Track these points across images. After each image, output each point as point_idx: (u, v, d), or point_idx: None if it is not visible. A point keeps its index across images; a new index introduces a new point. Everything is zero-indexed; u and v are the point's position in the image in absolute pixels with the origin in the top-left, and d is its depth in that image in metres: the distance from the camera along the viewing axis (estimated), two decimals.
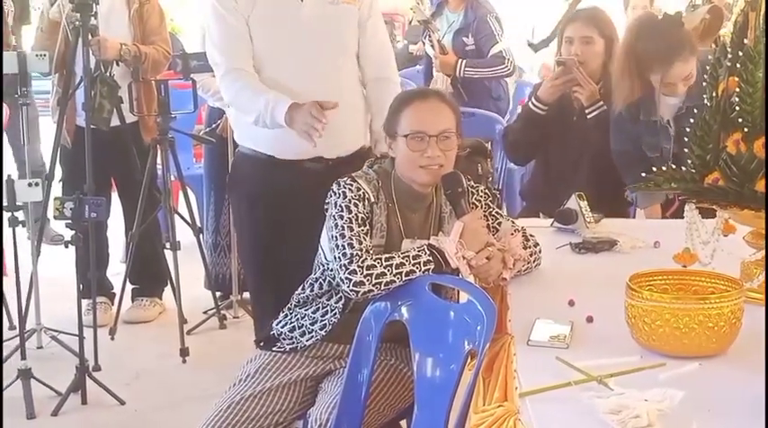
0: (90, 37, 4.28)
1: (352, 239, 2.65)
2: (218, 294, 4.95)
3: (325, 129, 3.14)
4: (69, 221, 3.88)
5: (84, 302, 4.27)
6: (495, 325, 2.35)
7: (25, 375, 3.86)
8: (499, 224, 2.87)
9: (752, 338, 2.17)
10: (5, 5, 5.45)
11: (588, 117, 3.91)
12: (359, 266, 2.60)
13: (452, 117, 2.80)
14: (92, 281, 4.34)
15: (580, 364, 2.06)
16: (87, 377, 3.96)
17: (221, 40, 3.39)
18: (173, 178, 4.70)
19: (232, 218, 3.76)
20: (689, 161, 2.59)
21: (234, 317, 4.92)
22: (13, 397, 3.86)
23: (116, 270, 5.17)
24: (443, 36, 5.65)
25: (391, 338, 2.72)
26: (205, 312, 4.88)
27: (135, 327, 4.85)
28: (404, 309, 2.62)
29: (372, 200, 2.75)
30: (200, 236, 4.80)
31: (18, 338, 3.95)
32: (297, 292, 2.88)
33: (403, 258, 2.62)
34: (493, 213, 2.88)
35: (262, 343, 2.90)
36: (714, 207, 2.59)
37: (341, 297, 2.75)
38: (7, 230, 3.96)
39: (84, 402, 3.96)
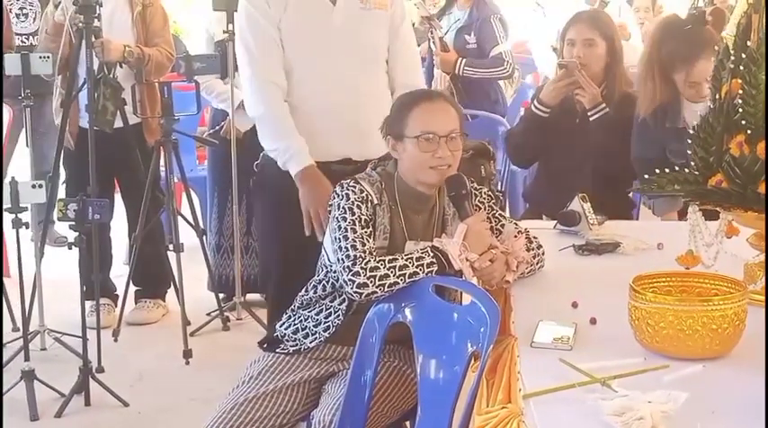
0: (93, 39, 4.29)
1: (355, 241, 2.66)
2: (221, 296, 4.96)
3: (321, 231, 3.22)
4: (73, 223, 3.89)
5: (88, 304, 4.26)
6: (498, 326, 2.35)
7: (28, 376, 3.86)
8: (502, 226, 2.87)
9: (755, 340, 2.17)
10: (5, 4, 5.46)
11: (591, 119, 3.92)
12: (362, 268, 2.60)
13: (457, 118, 2.81)
14: (95, 283, 4.34)
15: (583, 366, 2.06)
16: (90, 378, 3.96)
17: (255, 47, 3.38)
18: (176, 180, 4.71)
19: (256, 221, 3.76)
20: (692, 163, 2.59)
21: (237, 319, 4.92)
22: (16, 399, 3.87)
23: (119, 271, 5.17)
24: (446, 33, 5.66)
25: (395, 340, 2.72)
26: (208, 314, 4.88)
27: (138, 329, 4.85)
28: (407, 311, 2.62)
29: (375, 202, 2.75)
30: (204, 237, 4.80)
31: (21, 340, 3.95)
32: (300, 294, 2.88)
33: (406, 260, 2.62)
34: (496, 215, 2.88)
35: (265, 345, 2.90)
36: (717, 209, 2.59)
37: (344, 298, 2.75)
38: (11, 232, 3.96)
39: (87, 403, 3.96)
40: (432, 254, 2.63)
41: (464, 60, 5.51)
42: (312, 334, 2.81)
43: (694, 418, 1.86)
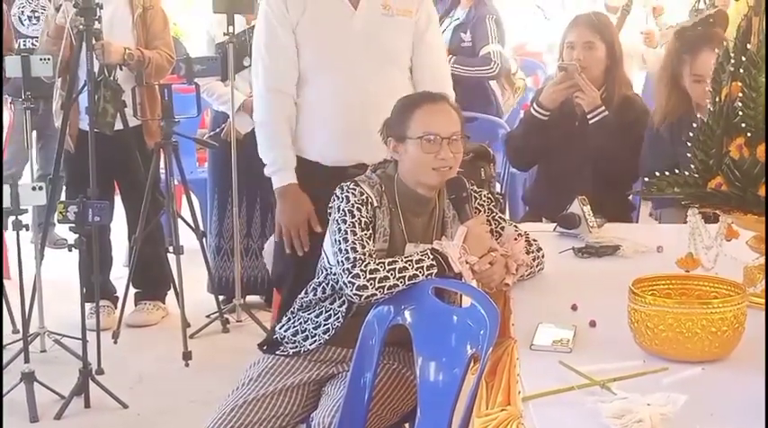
0: (94, 41, 4.29)
1: (355, 243, 2.66)
2: (221, 298, 4.96)
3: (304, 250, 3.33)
4: (73, 225, 3.89)
5: (88, 306, 4.26)
6: (498, 329, 2.35)
7: (28, 378, 3.86)
8: (502, 228, 2.87)
9: (755, 343, 2.17)
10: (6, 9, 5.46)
11: (590, 122, 3.92)
12: (362, 270, 2.61)
13: (458, 120, 2.82)
14: (95, 285, 4.34)
15: (583, 368, 2.06)
16: (90, 380, 3.96)
17: (267, 54, 3.41)
18: (176, 182, 4.71)
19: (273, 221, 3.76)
20: (692, 166, 2.59)
21: (237, 321, 4.92)
22: (16, 401, 3.87)
23: (119, 273, 5.17)
24: (443, 31, 5.65)
25: (394, 342, 2.72)
26: (208, 316, 4.88)
27: (138, 331, 4.85)
28: (407, 313, 2.62)
29: (375, 204, 2.75)
30: (203, 240, 4.81)
31: (21, 341, 3.95)
32: (300, 296, 2.88)
33: (406, 262, 2.63)
34: (496, 218, 2.89)
35: (265, 347, 2.91)
36: (717, 212, 2.59)
37: (344, 301, 2.75)
38: (11, 233, 3.96)
39: (87, 405, 3.96)
40: (431, 257, 2.63)
41: (453, 58, 5.51)
42: (312, 337, 2.81)
43: (693, 421, 1.86)
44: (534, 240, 2.90)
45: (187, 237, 4.62)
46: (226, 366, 4.14)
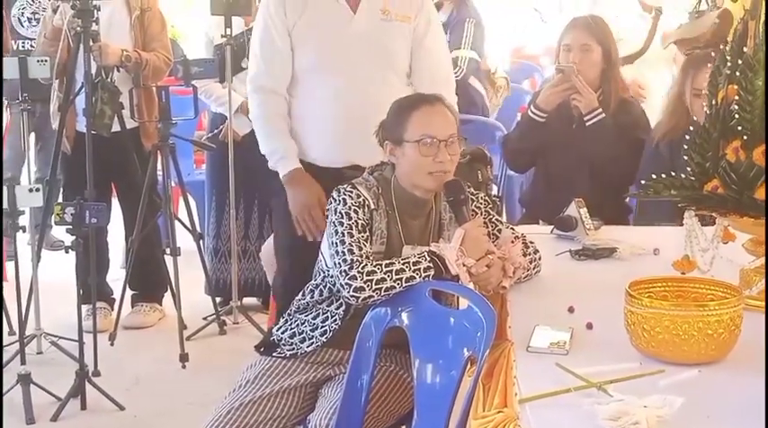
0: (91, 43, 4.29)
1: (352, 245, 2.66)
2: (218, 300, 4.96)
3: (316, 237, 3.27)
4: (70, 227, 3.89)
5: (84, 307, 4.27)
6: (494, 331, 2.35)
7: (25, 380, 3.86)
8: (499, 231, 2.88)
9: (751, 345, 2.17)
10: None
11: (587, 124, 3.92)
12: (359, 272, 2.61)
13: (455, 122, 2.82)
14: (92, 287, 4.33)
15: (580, 371, 2.06)
16: (87, 382, 3.96)
17: (261, 56, 3.44)
18: (173, 184, 4.71)
19: (275, 224, 3.76)
20: (688, 168, 2.60)
21: (234, 323, 4.92)
22: (12, 402, 3.87)
23: (116, 275, 5.16)
24: None
25: (391, 344, 2.72)
26: (205, 318, 4.88)
27: (135, 333, 4.85)
28: (404, 315, 2.62)
29: (372, 206, 2.75)
30: (201, 242, 4.81)
31: (18, 343, 3.95)
32: (297, 298, 2.88)
33: (403, 264, 2.63)
34: (493, 220, 2.89)
35: (262, 349, 2.91)
36: (713, 214, 2.60)
37: (341, 303, 2.75)
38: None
39: (83, 407, 3.96)
40: (429, 259, 2.64)
41: None
42: (309, 339, 2.81)
43: (690, 423, 1.86)
44: (531, 242, 2.90)
45: (184, 239, 4.62)
46: (223, 368, 4.14)
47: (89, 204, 3.94)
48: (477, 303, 2.44)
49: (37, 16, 5.52)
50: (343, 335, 2.74)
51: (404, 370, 2.79)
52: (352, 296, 2.61)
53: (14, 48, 5.43)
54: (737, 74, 2.50)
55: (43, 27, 4.65)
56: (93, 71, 4.34)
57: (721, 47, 2.61)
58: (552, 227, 3.39)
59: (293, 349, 2.83)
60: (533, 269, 2.86)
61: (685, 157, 2.60)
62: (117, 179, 4.82)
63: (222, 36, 4.69)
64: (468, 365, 2.41)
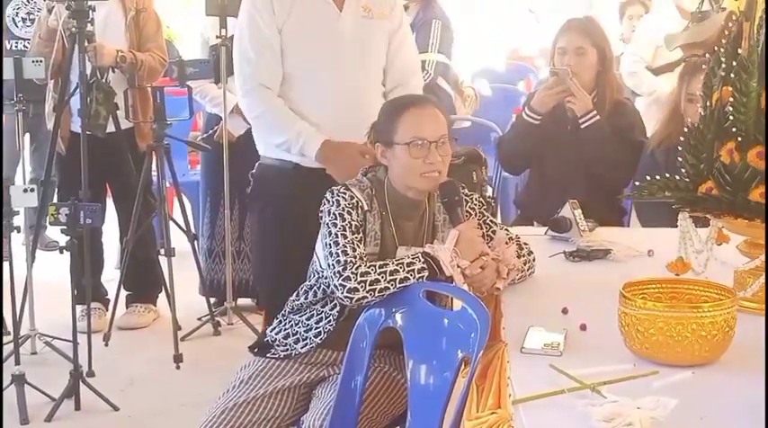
0: (86, 43, 4.29)
1: (345, 246, 2.66)
2: (212, 300, 4.96)
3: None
4: (64, 227, 3.88)
5: (79, 308, 4.26)
6: (488, 332, 2.35)
7: (19, 380, 3.86)
8: (493, 232, 2.88)
9: (745, 347, 2.18)
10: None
11: (582, 127, 3.93)
12: (353, 273, 2.61)
13: (445, 123, 2.82)
14: (86, 287, 4.33)
15: (573, 372, 2.07)
16: (81, 383, 3.96)
17: (252, 51, 3.40)
18: (168, 185, 4.71)
19: (252, 228, 3.73)
20: (683, 170, 2.60)
21: (228, 324, 4.92)
22: (6, 403, 3.85)
23: (110, 276, 5.17)
24: None
25: (385, 345, 2.72)
26: (199, 318, 4.88)
27: (129, 333, 4.85)
28: (398, 316, 2.62)
29: (366, 208, 2.75)
30: (195, 242, 4.80)
31: (12, 343, 3.95)
32: (291, 299, 2.88)
33: (397, 265, 2.63)
34: (487, 221, 2.89)
35: (256, 350, 2.91)
36: (708, 216, 2.60)
37: (335, 304, 2.75)
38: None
39: (77, 408, 3.95)
40: (423, 260, 2.63)
41: None
42: (303, 340, 2.81)
43: (683, 424, 1.87)
44: (525, 244, 2.90)
45: (179, 240, 4.62)
46: (217, 368, 4.13)
47: (84, 205, 3.94)
48: (471, 304, 2.44)
49: (32, 16, 5.51)
50: (337, 336, 2.74)
51: (398, 371, 2.78)
52: (346, 297, 2.61)
53: (8, 48, 5.43)
54: (732, 75, 2.50)
55: (38, 27, 4.65)
56: (89, 72, 4.34)
57: (716, 48, 2.61)
58: (547, 228, 3.40)
59: (287, 350, 2.83)
60: (527, 270, 2.86)
61: (680, 159, 2.61)
62: (112, 179, 4.82)
63: (217, 37, 4.68)
64: (462, 366, 2.41)
